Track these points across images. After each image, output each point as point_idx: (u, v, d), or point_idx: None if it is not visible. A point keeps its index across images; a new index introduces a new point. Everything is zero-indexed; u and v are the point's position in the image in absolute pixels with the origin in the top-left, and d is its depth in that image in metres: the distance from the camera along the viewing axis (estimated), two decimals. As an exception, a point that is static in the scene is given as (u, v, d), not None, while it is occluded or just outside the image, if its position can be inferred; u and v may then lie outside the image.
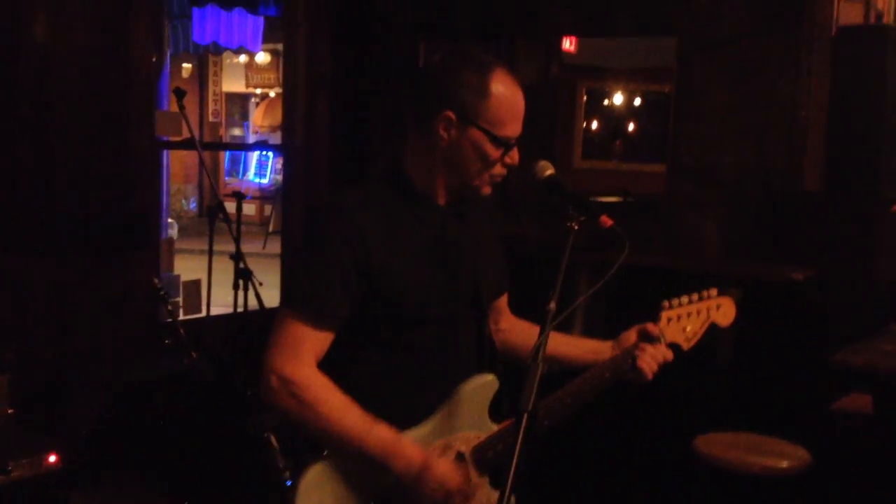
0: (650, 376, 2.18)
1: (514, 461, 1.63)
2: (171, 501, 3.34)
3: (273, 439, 3.42)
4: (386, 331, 2.03)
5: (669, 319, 2.25)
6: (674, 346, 2.26)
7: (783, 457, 3.39)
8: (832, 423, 3.44)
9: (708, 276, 4.17)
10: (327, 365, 2.00)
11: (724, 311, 2.35)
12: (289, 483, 3.16)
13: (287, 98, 5.40)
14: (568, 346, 2.25)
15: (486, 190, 2.10)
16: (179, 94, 4.19)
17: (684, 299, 2.28)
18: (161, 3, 5.35)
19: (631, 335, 2.25)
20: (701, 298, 2.31)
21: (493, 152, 2.02)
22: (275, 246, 9.79)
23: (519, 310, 2.43)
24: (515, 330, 2.37)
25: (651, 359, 2.18)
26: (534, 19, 5.10)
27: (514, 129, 2.04)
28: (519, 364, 2.27)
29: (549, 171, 2.06)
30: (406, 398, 2.03)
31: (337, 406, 1.94)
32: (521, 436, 1.65)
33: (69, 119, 3.83)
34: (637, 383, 2.21)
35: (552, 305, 1.81)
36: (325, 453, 1.99)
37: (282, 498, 3.18)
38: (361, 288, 1.97)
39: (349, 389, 1.98)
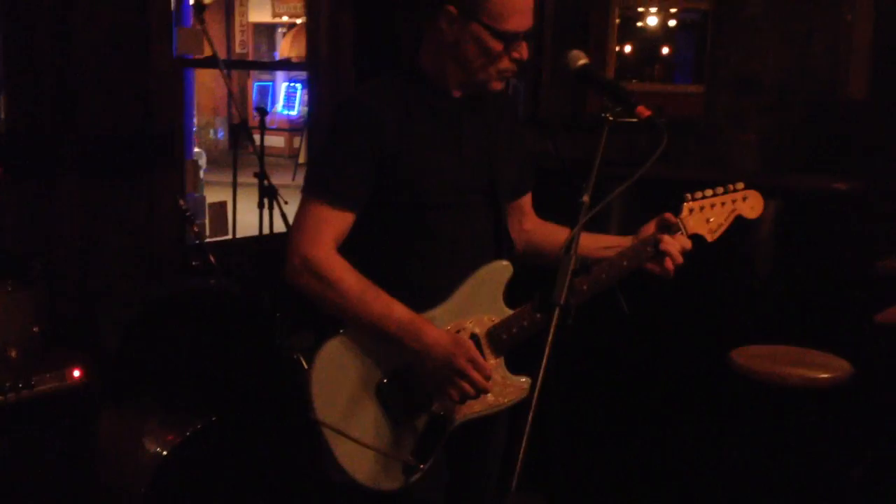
0: (669, 264, 2.17)
1: (546, 354, 1.58)
2: (199, 418, 3.32)
3: (303, 360, 3.40)
4: (403, 215, 2.08)
5: (691, 210, 2.23)
6: (699, 238, 2.24)
7: (823, 368, 3.31)
8: (875, 334, 3.35)
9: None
10: (349, 251, 2.07)
11: (750, 202, 2.31)
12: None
13: (310, 16, 5.27)
14: (589, 240, 2.23)
15: (495, 85, 2.11)
16: (199, 8, 4.09)
17: (708, 192, 2.26)
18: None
19: (650, 226, 2.24)
20: (726, 191, 2.27)
21: (496, 47, 2.02)
22: (304, 176, 9.72)
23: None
24: (540, 230, 2.40)
25: (669, 246, 2.16)
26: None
27: (518, 22, 2.02)
28: (543, 263, 2.34)
29: (583, 61, 2.00)
30: (422, 281, 2.10)
31: (355, 284, 2.02)
32: (552, 329, 1.61)
33: (89, 39, 3.76)
34: (658, 275, 2.20)
35: (586, 198, 1.76)
36: (340, 331, 2.06)
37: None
38: (376, 173, 2.04)
39: (372, 272, 2.05)
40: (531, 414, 1.53)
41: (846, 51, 4.09)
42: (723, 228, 2.28)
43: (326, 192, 2.04)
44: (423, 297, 2.07)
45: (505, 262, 2.14)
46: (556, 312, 1.62)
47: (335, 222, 2.04)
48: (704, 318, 3.90)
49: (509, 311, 2.12)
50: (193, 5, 4.05)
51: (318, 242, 2.02)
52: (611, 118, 1.87)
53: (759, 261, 3.96)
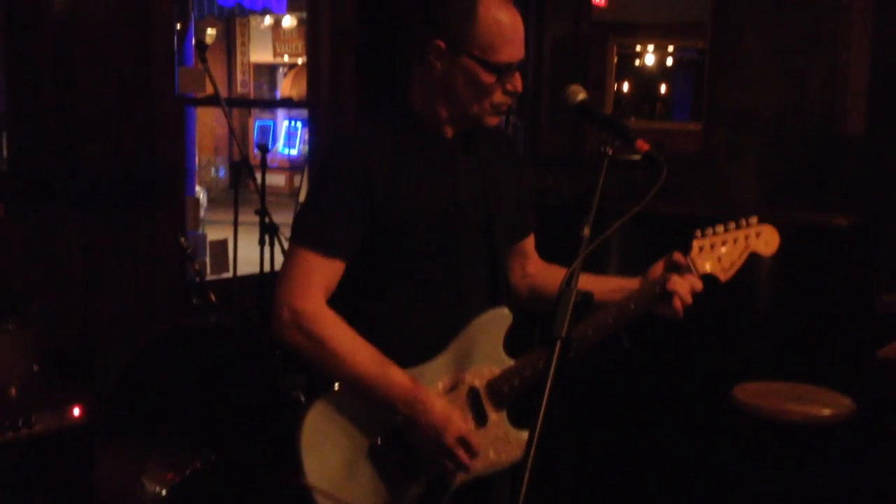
0: (679, 305, 2.03)
1: (547, 390, 1.54)
2: (198, 457, 3.29)
3: (303, 399, 3.38)
4: (397, 263, 2.00)
5: (702, 248, 2.09)
6: (711, 279, 2.11)
7: (826, 405, 3.29)
8: (877, 370, 3.33)
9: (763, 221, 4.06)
10: (343, 299, 1.98)
11: (765, 238, 2.16)
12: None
13: (311, 56, 5.31)
14: (594, 283, 2.08)
15: (490, 120, 2.03)
16: (201, 48, 4.12)
17: (719, 228, 2.12)
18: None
19: (658, 267, 2.10)
20: (738, 226, 2.13)
21: (488, 79, 1.94)
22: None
23: (548, 261, 2.33)
24: (545, 274, 2.28)
25: (677, 286, 2.03)
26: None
27: (510, 53, 1.95)
28: (547, 309, 2.09)
29: (582, 96, 1.94)
30: (419, 331, 2.00)
31: (346, 343, 1.92)
32: (553, 363, 1.57)
33: (92, 77, 3.79)
34: (669, 317, 2.06)
35: (586, 231, 1.71)
36: (335, 387, 1.96)
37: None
38: (367, 220, 1.95)
39: (364, 323, 1.96)
40: (533, 448, 1.51)
41: (843, 87, 4.11)
42: (736, 267, 2.13)
43: (316, 239, 1.95)
44: (419, 348, 1.98)
45: (505, 310, 2.04)
46: (558, 346, 1.58)
47: (325, 271, 1.94)
48: (706, 354, 3.88)
49: (510, 361, 2.02)
50: (196, 45, 4.08)
51: (308, 294, 1.91)
52: (610, 152, 1.82)
53: (760, 297, 3.95)
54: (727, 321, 3.85)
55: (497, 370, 2.01)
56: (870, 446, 3.44)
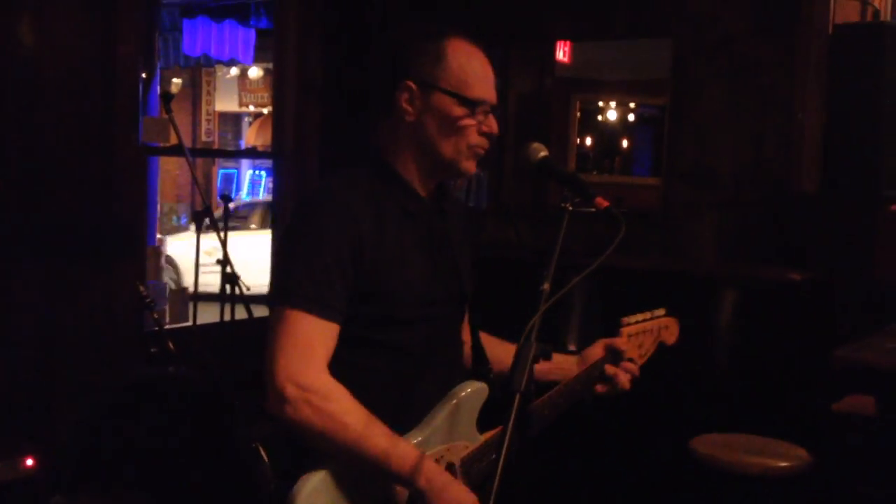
0: (618, 390, 2.20)
1: (505, 447, 1.52)
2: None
3: (262, 451, 3.35)
4: (374, 331, 1.89)
5: (630, 336, 2.28)
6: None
7: (782, 457, 3.34)
8: (832, 424, 3.38)
9: (706, 277, 4.12)
10: None
11: (671, 330, 2.42)
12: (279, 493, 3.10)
13: (277, 106, 5.34)
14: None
15: (467, 165, 1.96)
16: (167, 97, 4.13)
17: (639, 317, 2.31)
18: (149, 8, 5.30)
19: (597, 350, 2.24)
20: (654, 317, 2.35)
21: (460, 112, 1.90)
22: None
23: (509, 314, 2.26)
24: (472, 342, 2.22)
25: (616, 374, 2.19)
26: (529, 24, 5.06)
27: (482, 90, 1.92)
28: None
29: (543, 153, 1.96)
30: (396, 401, 1.91)
31: (361, 418, 1.77)
32: (512, 418, 1.56)
33: (54, 125, 3.78)
34: (608, 396, 2.22)
35: (546, 286, 1.72)
36: (325, 460, 1.81)
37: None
38: (354, 281, 1.84)
39: None
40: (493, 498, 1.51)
41: (798, 146, 4.21)
42: (649, 354, 2.35)
43: (313, 301, 1.78)
44: (399, 417, 1.88)
45: (481, 384, 1.98)
46: (517, 400, 1.57)
47: (325, 338, 1.80)
48: (664, 407, 3.91)
49: (482, 438, 1.97)
50: (161, 95, 4.09)
51: (315, 365, 1.76)
52: (570, 208, 1.84)
53: (718, 350, 4.00)
54: (685, 374, 3.88)
55: (471, 446, 1.95)
56: (825, 498, 3.47)
